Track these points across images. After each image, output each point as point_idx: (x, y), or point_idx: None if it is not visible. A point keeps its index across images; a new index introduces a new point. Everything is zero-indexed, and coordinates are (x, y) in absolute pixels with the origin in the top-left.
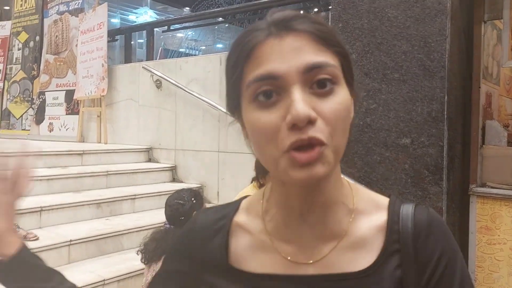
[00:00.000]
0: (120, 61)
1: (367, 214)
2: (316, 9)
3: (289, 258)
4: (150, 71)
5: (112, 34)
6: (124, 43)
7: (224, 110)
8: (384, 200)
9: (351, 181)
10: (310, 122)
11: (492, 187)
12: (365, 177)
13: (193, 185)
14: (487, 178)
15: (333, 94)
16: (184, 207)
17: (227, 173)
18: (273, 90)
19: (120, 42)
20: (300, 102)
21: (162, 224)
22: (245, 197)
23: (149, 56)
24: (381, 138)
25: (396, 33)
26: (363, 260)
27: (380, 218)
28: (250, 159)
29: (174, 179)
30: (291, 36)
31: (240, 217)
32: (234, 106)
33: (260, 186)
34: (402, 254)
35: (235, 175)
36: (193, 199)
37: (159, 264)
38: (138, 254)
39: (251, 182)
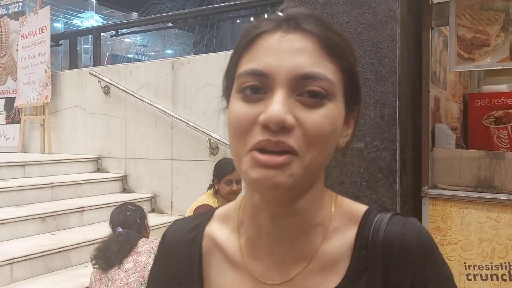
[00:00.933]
0: (64, 67)
1: (340, 231)
2: (266, 15)
3: (258, 277)
4: (98, 77)
5: (56, 38)
6: (69, 48)
7: (177, 117)
8: (361, 211)
9: (339, 198)
10: (285, 128)
11: (443, 189)
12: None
13: (145, 194)
14: (438, 180)
15: (321, 107)
16: (137, 211)
17: (181, 181)
18: (260, 87)
19: (65, 48)
20: (278, 104)
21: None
22: (219, 206)
23: (96, 62)
24: None
25: (348, 38)
26: (331, 282)
27: (351, 233)
28: (205, 167)
29: (125, 189)
30: (297, 35)
31: (213, 228)
32: (227, 93)
33: (216, 192)
34: (370, 273)
35: (189, 184)
36: (142, 209)
37: (126, 265)
38: (92, 260)
39: (208, 189)
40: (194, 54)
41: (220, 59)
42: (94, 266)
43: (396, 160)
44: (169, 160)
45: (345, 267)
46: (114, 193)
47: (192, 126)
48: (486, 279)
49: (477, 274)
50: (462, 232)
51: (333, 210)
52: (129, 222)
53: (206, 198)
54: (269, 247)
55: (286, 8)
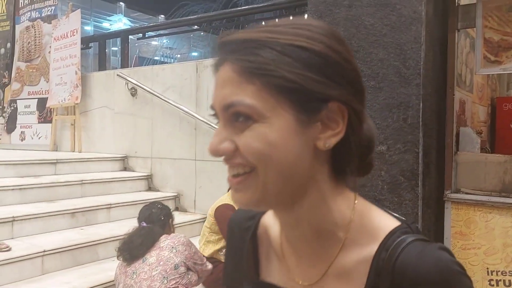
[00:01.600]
0: (94, 69)
1: (359, 246)
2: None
3: (293, 275)
4: (125, 79)
5: (86, 41)
6: (98, 51)
7: (201, 118)
8: (387, 228)
9: (361, 205)
10: (226, 153)
11: (466, 193)
12: None
13: (169, 193)
14: (461, 184)
15: (248, 129)
16: (163, 209)
17: (204, 181)
18: (217, 117)
19: (94, 50)
20: (214, 137)
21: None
22: None
23: (124, 64)
24: None
25: (373, 40)
26: None
27: (369, 249)
28: (226, 167)
29: (150, 188)
30: (223, 67)
31: (267, 219)
32: None
33: None
34: None
35: (212, 184)
36: (170, 209)
37: (149, 259)
38: (116, 251)
39: (228, 190)
40: None
41: None
42: (119, 258)
43: (419, 163)
44: (192, 160)
45: (360, 284)
46: (140, 191)
47: (215, 127)
48: (509, 285)
49: (500, 280)
50: (486, 236)
51: (352, 222)
52: (153, 218)
53: (228, 198)
54: (294, 249)
55: (220, 37)
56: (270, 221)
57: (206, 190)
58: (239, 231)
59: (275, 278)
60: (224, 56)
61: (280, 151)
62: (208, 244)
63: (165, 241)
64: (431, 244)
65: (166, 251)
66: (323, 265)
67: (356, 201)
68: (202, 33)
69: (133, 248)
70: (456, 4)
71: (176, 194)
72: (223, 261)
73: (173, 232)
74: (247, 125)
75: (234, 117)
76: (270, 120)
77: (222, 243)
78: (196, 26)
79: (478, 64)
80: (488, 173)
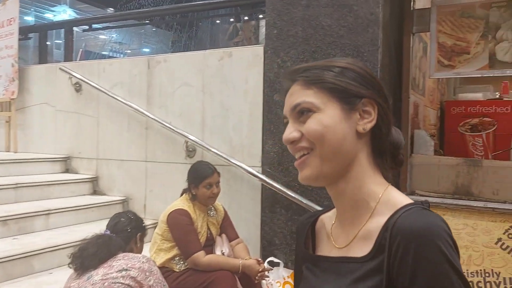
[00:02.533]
0: (35, 62)
1: (382, 215)
2: (246, 17)
3: (334, 243)
4: (69, 73)
5: (25, 31)
6: (38, 43)
7: (152, 116)
8: (403, 202)
9: (390, 188)
10: (295, 140)
11: (420, 195)
12: (300, 186)
13: (117, 197)
14: (416, 186)
15: (309, 118)
16: (133, 221)
17: (155, 184)
18: (287, 121)
19: (35, 42)
20: (286, 130)
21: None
22: None
23: (68, 57)
24: None
25: (330, 41)
26: (366, 248)
27: (388, 215)
28: (181, 170)
29: (95, 192)
30: (293, 86)
31: (326, 216)
32: None
33: (193, 198)
34: (386, 254)
35: (164, 187)
36: (143, 223)
37: (95, 277)
38: (69, 257)
39: (181, 194)
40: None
41: (199, 59)
42: (70, 265)
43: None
44: (143, 162)
45: (374, 241)
46: (84, 195)
47: (168, 127)
48: None
49: None
50: None
51: (381, 198)
52: (118, 227)
53: (181, 203)
54: (340, 222)
55: (290, 68)
56: (328, 214)
57: (158, 194)
58: (302, 226)
59: (323, 251)
60: (293, 79)
61: (332, 132)
62: (159, 252)
63: (120, 260)
64: (430, 212)
65: (114, 272)
66: (355, 230)
67: (387, 185)
68: (154, 29)
69: (85, 257)
70: (412, 8)
71: (124, 198)
72: (175, 270)
73: (140, 251)
74: (309, 116)
75: (299, 113)
76: (324, 110)
77: (174, 251)
78: (147, 21)
79: (432, 68)
80: (442, 175)
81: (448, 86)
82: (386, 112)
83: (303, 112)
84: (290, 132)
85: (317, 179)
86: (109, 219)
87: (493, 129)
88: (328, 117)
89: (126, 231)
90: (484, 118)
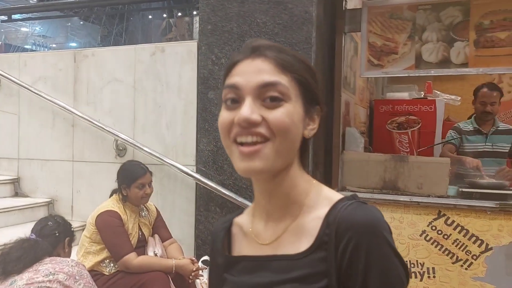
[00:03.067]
0: None
1: (316, 208)
2: (180, 13)
3: (257, 240)
4: None
5: None
6: None
7: (80, 114)
8: (336, 197)
9: (317, 184)
10: (252, 123)
11: (351, 191)
12: (234, 184)
13: (41, 199)
14: (347, 182)
15: (280, 107)
16: (61, 225)
17: (83, 185)
18: (235, 98)
19: None
20: (246, 107)
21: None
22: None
23: None
24: None
25: (265, 39)
26: (301, 245)
27: (323, 211)
28: (110, 169)
29: (17, 194)
30: (259, 60)
31: (240, 218)
32: (219, 106)
33: (124, 199)
34: (328, 246)
35: (92, 187)
36: (71, 228)
37: (19, 282)
38: None
39: (111, 195)
40: None
41: (130, 53)
42: None
43: (309, 163)
44: (69, 162)
45: (313, 238)
46: (4, 197)
47: (96, 124)
48: None
49: None
50: None
51: (311, 194)
52: (45, 231)
53: (111, 204)
54: (264, 217)
55: (255, 41)
56: (243, 217)
57: (86, 195)
58: (217, 234)
59: (245, 252)
60: (259, 52)
61: (295, 129)
62: (87, 255)
63: (47, 264)
64: (368, 205)
65: (40, 276)
66: (283, 225)
67: (314, 181)
68: (81, 22)
69: (8, 262)
70: (344, 8)
71: (49, 200)
72: (105, 273)
73: (68, 256)
74: (280, 104)
75: (267, 96)
76: (293, 102)
77: (104, 254)
78: (72, 12)
79: (363, 67)
80: (371, 171)
81: (377, 85)
82: (321, 122)
83: (274, 97)
84: (252, 112)
85: (266, 173)
86: (34, 223)
87: (418, 126)
88: (295, 112)
89: (53, 235)
90: (410, 117)
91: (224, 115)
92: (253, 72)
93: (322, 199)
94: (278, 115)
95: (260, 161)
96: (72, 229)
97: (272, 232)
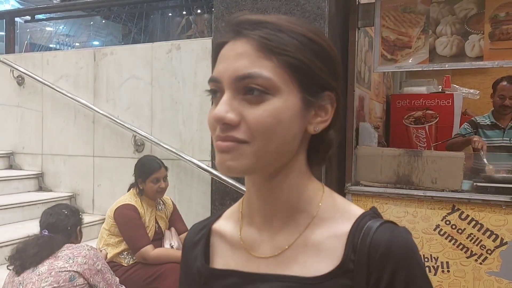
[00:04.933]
0: None
1: (330, 222)
2: (199, 11)
3: (251, 252)
4: (10, 66)
5: None
6: None
7: (99, 111)
8: (356, 212)
9: (329, 191)
10: (229, 124)
11: (365, 185)
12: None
13: (64, 193)
14: (360, 177)
15: (263, 102)
16: (71, 217)
17: (103, 179)
18: (217, 90)
19: None
20: (220, 105)
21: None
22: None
23: (9, 49)
24: None
25: (256, 13)
26: (315, 266)
27: (342, 228)
28: (129, 164)
29: (41, 188)
30: (240, 42)
31: (220, 225)
32: None
33: (141, 192)
34: (355, 274)
35: (112, 182)
36: (79, 214)
37: (40, 268)
38: (8, 260)
39: (129, 189)
40: None
41: (146, 51)
42: (9, 267)
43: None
44: (90, 157)
45: (333, 259)
46: (29, 191)
47: (115, 121)
48: None
49: None
50: None
51: (321, 203)
52: (58, 226)
53: (129, 198)
54: (258, 223)
55: (238, 16)
56: (222, 222)
57: (106, 189)
58: (191, 246)
59: (232, 264)
60: (241, 32)
61: (284, 129)
62: (107, 247)
63: (64, 250)
64: (398, 227)
65: (61, 261)
66: (290, 238)
67: (324, 187)
68: (103, 21)
69: (25, 258)
70: (357, 3)
71: (71, 194)
72: (124, 264)
73: (80, 240)
74: (263, 99)
75: (247, 89)
76: (283, 95)
77: (122, 246)
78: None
79: (376, 62)
80: (384, 166)
81: (394, 80)
82: (340, 111)
83: (253, 91)
84: (227, 111)
85: (247, 173)
86: (41, 216)
87: (435, 121)
88: (286, 108)
89: (66, 230)
90: (427, 111)
91: (210, 112)
92: (232, 58)
93: (337, 212)
94: (258, 114)
95: (234, 160)
96: (80, 215)
97: (271, 244)
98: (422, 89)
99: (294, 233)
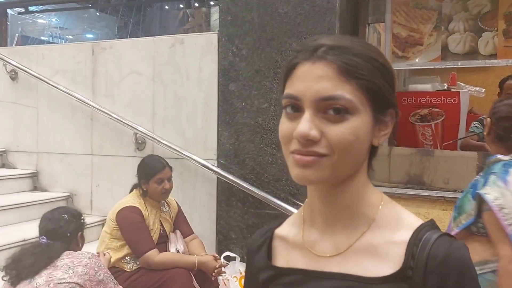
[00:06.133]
0: None
1: (388, 229)
2: (197, 4)
3: (313, 252)
4: (3, 60)
5: None
6: None
7: (98, 107)
8: (415, 222)
9: (388, 200)
10: (312, 140)
11: (375, 185)
12: (257, 179)
13: (60, 193)
14: (370, 177)
15: (344, 121)
16: (72, 223)
17: (102, 179)
18: (296, 106)
19: None
20: (304, 122)
21: (35, 239)
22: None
23: (2, 43)
24: (273, 139)
25: (287, 29)
26: (374, 268)
27: (401, 236)
28: (130, 163)
29: (36, 188)
30: (320, 64)
31: (282, 230)
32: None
33: (144, 193)
34: (412, 281)
35: (112, 182)
36: (81, 218)
37: (38, 279)
38: (1, 270)
39: (131, 190)
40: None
41: (148, 45)
42: (4, 278)
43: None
44: (88, 155)
45: (393, 263)
46: (23, 191)
47: (115, 118)
48: None
49: None
50: None
51: (380, 207)
52: (57, 233)
53: (132, 200)
54: (321, 225)
55: (316, 39)
56: (284, 227)
57: (105, 189)
58: (256, 245)
59: (294, 263)
60: (321, 56)
61: (360, 144)
62: (109, 252)
63: (64, 259)
64: (455, 240)
65: (60, 271)
66: (350, 239)
67: (383, 195)
68: (98, 13)
69: (21, 268)
70: None
71: (68, 194)
72: (127, 270)
73: (82, 245)
74: (343, 118)
75: (329, 109)
76: (361, 115)
77: (125, 250)
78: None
79: (387, 58)
80: (394, 166)
81: (399, 77)
82: (396, 125)
83: (336, 111)
84: (311, 128)
85: (322, 182)
86: (40, 220)
87: (442, 119)
88: (363, 126)
89: (66, 237)
90: (433, 109)
91: (284, 125)
92: (313, 80)
93: (396, 220)
94: (339, 132)
95: (315, 172)
96: (83, 220)
97: (332, 244)
98: (427, 87)
99: (354, 236)
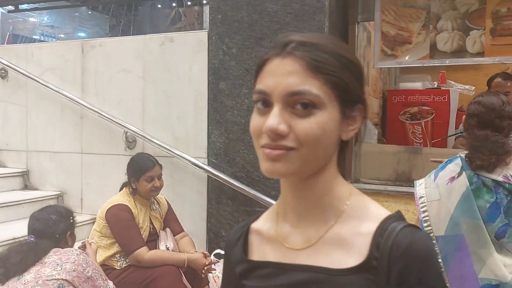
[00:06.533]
0: None
1: (357, 220)
2: (189, 2)
3: (286, 245)
4: None
5: None
6: None
7: (88, 105)
8: (382, 214)
9: (357, 192)
10: (280, 134)
11: (365, 183)
12: (247, 177)
13: (50, 192)
14: (360, 174)
15: (311, 115)
16: (61, 223)
17: (92, 177)
18: (266, 101)
19: None
20: (273, 117)
21: (23, 238)
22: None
23: None
24: None
25: (276, 28)
26: (341, 259)
27: (368, 227)
28: (120, 161)
29: (26, 186)
30: (289, 60)
31: (257, 224)
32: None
33: (134, 192)
34: (377, 271)
35: (102, 180)
36: (71, 217)
37: (26, 276)
38: None
39: (121, 188)
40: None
41: (138, 43)
42: None
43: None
44: (78, 154)
45: (359, 254)
46: (14, 190)
47: (105, 116)
48: None
49: None
50: None
51: (349, 201)
52: (45, 234)
53: (121, 198)
54: (293, 219)
55: (287, 36)
56: (259, 222)
57: (95, 188)
58: (233, 241)
59: (268, 256)
60: (290, 51)
61: (328, 138)
62: (98, 249)
63: (52, 256)
64: (419, 231)
65: (48, 268)
66: (320, 232)
67: (352, 187)
68: (89, 12)
69: (9, 266)
70: None
71: (58, 192)
72: (116, 267)
73: (72, 244)
74: (311, 112)
75: (297, 103)
76: (328, 109)
77: (115, 248)
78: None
79: (376, 57)
80: (384, 163)
81: (390, 75)
82: (365, 119)
83: (306, 106)
84: (279, 122)
85: (292, 175)
86: (29, 218)
87: (431, 117)
88: (330, 120)
89: (54, 238)
90: (423, 107)
91: (255, 120)
92: (281, 75)
93: (364, 211)
94: (307, 126)
95: (284, 165)
96: (72, 219)
97: (303, 237)
98: (418, 85)
99: (323, 228)
